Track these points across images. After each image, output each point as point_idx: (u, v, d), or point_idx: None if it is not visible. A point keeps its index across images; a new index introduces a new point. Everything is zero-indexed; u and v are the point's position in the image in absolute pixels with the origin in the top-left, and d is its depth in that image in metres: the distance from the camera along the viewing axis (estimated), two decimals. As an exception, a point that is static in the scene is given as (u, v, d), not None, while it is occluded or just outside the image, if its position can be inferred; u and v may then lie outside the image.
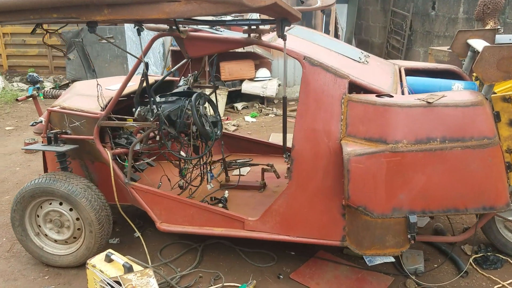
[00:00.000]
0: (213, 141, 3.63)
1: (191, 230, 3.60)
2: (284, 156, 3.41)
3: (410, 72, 4.10)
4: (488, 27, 5.74)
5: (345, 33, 10.47)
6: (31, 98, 4.52)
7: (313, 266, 3.72)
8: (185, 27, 3.48)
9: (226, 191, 4.22)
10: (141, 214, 4.25)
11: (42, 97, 4.61)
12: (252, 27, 3.21)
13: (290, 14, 2.58)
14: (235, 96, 8.65)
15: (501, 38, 3.84)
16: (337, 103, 3.14)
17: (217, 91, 7.83)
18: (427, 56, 7.03)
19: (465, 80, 3.80)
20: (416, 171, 2.94)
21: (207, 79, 8.23)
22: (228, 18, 3.18)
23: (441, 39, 8.35)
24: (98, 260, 3.09)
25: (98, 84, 3.62)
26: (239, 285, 3.50)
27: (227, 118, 7.89)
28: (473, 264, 3.67)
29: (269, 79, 8.45)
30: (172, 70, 3.77)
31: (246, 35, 3.28)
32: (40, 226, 3.83)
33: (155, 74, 5.45)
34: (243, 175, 4.67)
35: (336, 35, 10.28)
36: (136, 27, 3.16)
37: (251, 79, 8.35)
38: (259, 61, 8.59)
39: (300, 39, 3.57)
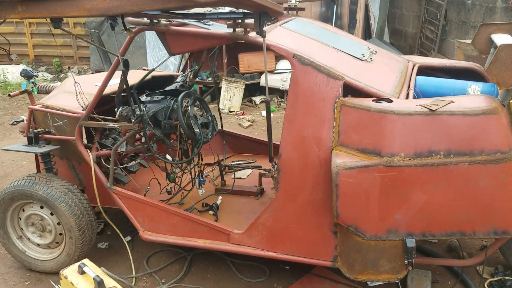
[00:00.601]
0: (201, 144, 3.33)
1: (173, 241, 3.34)
2: (271, 165, 3.08)
3: (425, 70, 3.67)
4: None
5: (377, 22, 9.89)
6: (26, 93, 4.35)
7: (308, 283, 3.40)
8: (170, 21, 3.18)
9: (220, 197, 3.93)
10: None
11: (36, 92, 4.39)
12: (238, 21, 2.87)
13: (265, 7, 2.24)
14: (254, 89, 8.32)
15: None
16: (329, 108, 2.78)
17: (234, 84, 7.56)
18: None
19: (486, 80, 3.34)
20: (415, 188, 2.56)
21: (225, 71, 7.94)
22: (202, 10, 2.85)
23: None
24: (70, 271, 2.85)
25: (75, 82, 3.38)
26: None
27: (243, 113, 7.58)
28: (487, 289, 3.25)
29: (290, 72, 8.05)
30: (154, 68, 3.46)
31: (231, 30, 2.94)
32: (22, 229, 3.66)
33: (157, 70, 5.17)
34: (243, 179, 4.37)
35: (368, 24, 9.75)
36: (109, 22, 2.89)
37: (271, 71, 7.99)
38: (280, 53, 8.20)
39: (294, 33, 3.21)
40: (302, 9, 3.88)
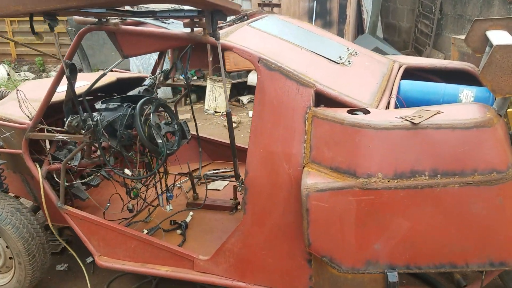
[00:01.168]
0: (164, 157, 2.97)
1: (132, 268, 2.99)
2: (238, 183, 2.72)
3: (413, 72, 3.31)
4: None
5: (370, 17, 9.50)
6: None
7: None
8: (123, 19, 2.81)
9: (191, 213, 3.58)
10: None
11: (-9, 99, 4.04)
12: (195, 20, 2.51)
13: (214, 5, 1.88)
14: (241, 88, 7.94)
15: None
16: (299, 119, 2.42)
17: (219, 84, 7.18)
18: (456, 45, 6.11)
19: (481, 84, 2.97)
20: (396, 214, 2.20)
21: (210, 70, 7.56)
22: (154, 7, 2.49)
23: (475, 23, 7.33)
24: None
25: (18, 90, 3.01)
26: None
27: (229, 114, 7.20)
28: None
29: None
30: (105, 72, 3.08)
31: (188, 30, 2.58)
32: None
33: (124, 70, 4.81)
34: (219, 190, 4.02)
35: (360, 19, 9.37)
36: (48, 22, 2.53)
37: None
38: (269, 50, 7.82)
39: (263, 33, 2.84)
40: (278, 5, 3.53)
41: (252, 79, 7.61)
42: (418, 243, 2.23)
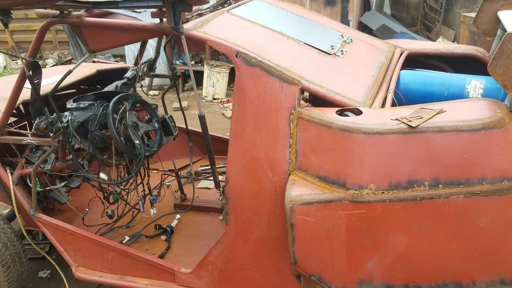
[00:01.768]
0: (141, 160, 2.71)
1: (109, 281, 2.77)
2: (218, 192, 2.46)
3: (417, 58, 2.99)
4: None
5: (378, -8, 9.08)
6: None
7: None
8: (90, 11, 2.54)
9: (178, 216, 3.34)
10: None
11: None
12: (163, 9, 2.22)
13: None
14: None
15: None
16: (283, 121, 2.14)
17: (217, 69, 6.88)
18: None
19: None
20: (392, 230, 1.93)
21: (207, 53, 7.25)
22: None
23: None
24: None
25: None
26: None
27: (228, 100, 6.93)
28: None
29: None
30: (71, 69, 2.81)
31: (157, 21, 2.29)
32: None
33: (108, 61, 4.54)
34: (210, 188, 3.77)
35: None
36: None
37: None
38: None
39: (244, 21, 2.54)
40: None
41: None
42: (417, 261, 1.96)
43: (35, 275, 3.43)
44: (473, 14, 4.92)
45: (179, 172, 3.52)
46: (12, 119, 3.33)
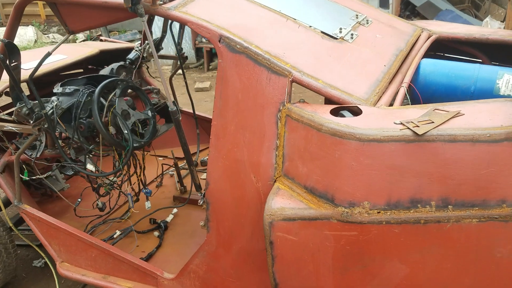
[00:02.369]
0: (130, 151, 2.47)
1: (92, 281, 2.57)
2: (199, 195, 2.19)
3: (447, 43, 2.59)
4: None
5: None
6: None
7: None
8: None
9: (175, 210, 3.10)
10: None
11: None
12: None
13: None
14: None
15: None
16: (270, 119, 1.83)
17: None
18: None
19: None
20: (388, 256, 1.60)
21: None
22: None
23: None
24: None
25: None
26: None
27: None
28: None
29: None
30: (50, 51, 2.55)
31: None
32: None
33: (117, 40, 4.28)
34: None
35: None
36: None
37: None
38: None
39: None
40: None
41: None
42: (419, 295, 1.63)
43: (29, 265, 3.29)
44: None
45: (178, 162, 3.26)
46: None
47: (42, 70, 3.15)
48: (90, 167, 2.65)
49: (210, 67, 7.23)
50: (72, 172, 3.08)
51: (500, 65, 2.43)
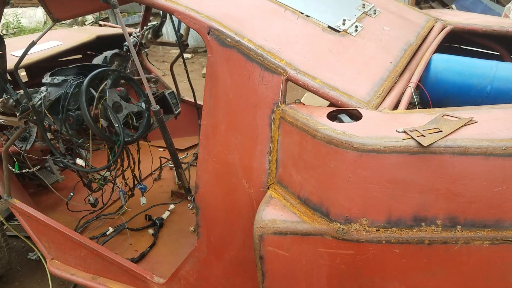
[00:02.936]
0: (121, 146, 2.34)
1: (81, 281, 2.47)
2: (189, 198, 2.05)
3: (464, 35, 2.39)
4: None
5: None
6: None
7: None
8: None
9: (172, 206, 2.98)
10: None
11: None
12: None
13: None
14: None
15: None
16: (263, 121, 1.67)
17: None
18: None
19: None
20: (388, 278, 1.45)
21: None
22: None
23: None
24: None
25: None
26: None
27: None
28: None
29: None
30: (35, 40, 2.40)
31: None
32: None
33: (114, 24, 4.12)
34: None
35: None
36: None
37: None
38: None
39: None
40: None
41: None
42: (421, 320, 1.47)
43: (24, 257, 3.21)
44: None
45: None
46: None
47: (36, 57, 3.03)
48: (80, 161, 2.53)
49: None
50: (63, 166, 2.96)
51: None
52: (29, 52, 2.25)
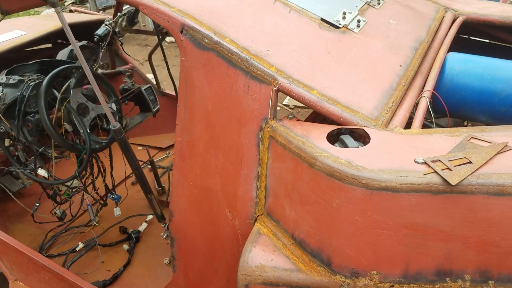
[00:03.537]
0: (88, 153, 2.04)
1: (45, 309, 2.18)
2: (163, 225, 1.76)
3: (476, 26, 2.10)
4: None
5: None
6: None
7: None
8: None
9: (150, 216, 2.68)
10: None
11: None
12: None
13: None
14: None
15: None
16: (249, 140, 1.37)
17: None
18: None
19: None
20: None
21: None
22: None
23: None
24: None
25: None
26: None
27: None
28: None
29: None
30: None
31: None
32: None
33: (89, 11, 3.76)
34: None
35: None
36: None
37: None
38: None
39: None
40: None
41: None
42: None
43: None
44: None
45: (154, 159, 2.83)
46: None
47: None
48: (42, 172, 2.22)
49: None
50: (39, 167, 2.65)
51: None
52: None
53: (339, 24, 1.63)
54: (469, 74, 1.65)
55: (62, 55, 2.55)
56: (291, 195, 1.28)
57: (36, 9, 8.06)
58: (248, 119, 1.36)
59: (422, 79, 1.57)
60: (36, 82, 2.09)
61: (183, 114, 1.46)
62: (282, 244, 1.30)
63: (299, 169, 1.24)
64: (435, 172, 1.08)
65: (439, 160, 1.12)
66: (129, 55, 3.21)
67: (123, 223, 2.63)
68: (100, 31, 2.72)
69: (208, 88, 1.40)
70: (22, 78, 2.10)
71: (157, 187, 2.84)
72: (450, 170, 1.08)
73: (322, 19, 1.63)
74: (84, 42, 2.59)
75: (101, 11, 7.60)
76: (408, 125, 1.36)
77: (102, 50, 2.73)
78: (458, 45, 1.96)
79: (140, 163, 2.92)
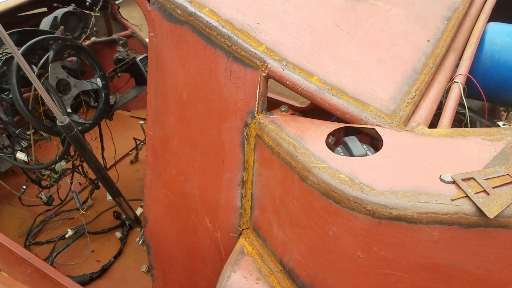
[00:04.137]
0: (64, 138, 1.82)
1: (28, 304, 2.00)
2: (138, 230, 1.53)
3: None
4: None
5: None
6: None
7: None
8: None
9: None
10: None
11: None
12: None
13: None
14: None
15: None
16: (231, 137, 1.10)
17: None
18: None
19: None
20: None
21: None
22: None
23: None
24: None
25: None
26: None
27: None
28: None
29: None
30: None
31: None
32: None
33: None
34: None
35: None
36: None
37: None
38: None
39: None
40: None
41: None
42: None
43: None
44: None
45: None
46: None
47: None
48: (21, 156, 2.00)
49: None
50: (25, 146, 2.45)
51: None
52: None
53: (350, -9, 1.31)
54: (514, 50, 1.32)
55: (45, 23, 2.29)
56: (279, 211, 1.01)
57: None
58: (230, 112, 1.09)
59: (455, 58, 1.25)
60: (8, 56, 1.85)
61: (154, 103, 1.19)
62: (268, 270, 1.04)
63: (288, 181, 0.96)
64: (466, 196, 0.79)
65: (473, 178, 0.82)
66: (127, 20, 2.93)
67: (117, 208, 2.42)
68: None
69: (182, 72, 1.12)
70: None
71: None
72: (488, 194, 0.79)
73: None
74: (70, 8, 2.32)
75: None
76: (433, 123, 1.06)
77: (95, 16, 2.44)
78: (501, 13, 1.60)
79: (138, 142, 2.69)
